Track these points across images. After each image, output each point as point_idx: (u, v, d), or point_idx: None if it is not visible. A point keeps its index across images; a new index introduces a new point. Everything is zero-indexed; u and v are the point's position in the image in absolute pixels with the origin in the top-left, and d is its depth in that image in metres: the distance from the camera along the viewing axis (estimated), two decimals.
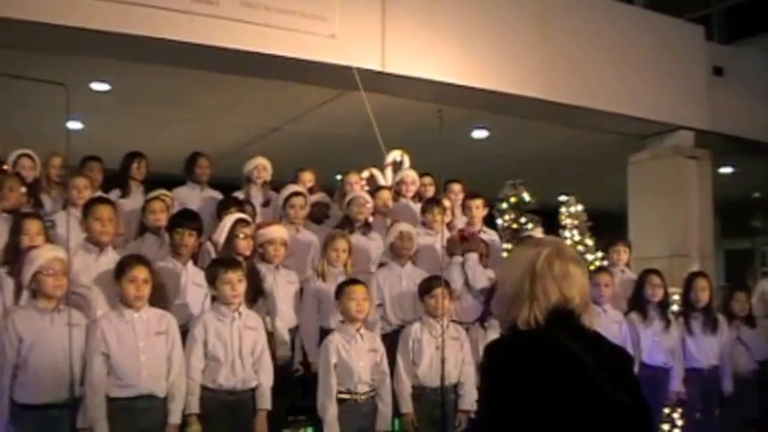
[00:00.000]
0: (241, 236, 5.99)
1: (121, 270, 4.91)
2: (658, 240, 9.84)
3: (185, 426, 5.00)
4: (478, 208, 7.72)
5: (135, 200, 7.27)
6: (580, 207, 8.18)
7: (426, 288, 6.03)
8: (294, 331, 6.33)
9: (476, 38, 8.32)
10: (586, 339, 2.48)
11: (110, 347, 4.76)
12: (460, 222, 7.82)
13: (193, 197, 7.58)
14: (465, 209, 7.84)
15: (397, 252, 6.77)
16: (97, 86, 9.08)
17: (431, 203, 7.50)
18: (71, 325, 4.60)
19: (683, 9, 14.19)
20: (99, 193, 6.70)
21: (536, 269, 2.50)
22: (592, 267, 7.81)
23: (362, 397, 5.45)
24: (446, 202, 7.58)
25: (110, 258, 5.38)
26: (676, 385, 7.09)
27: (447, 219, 7.50)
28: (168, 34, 6.96)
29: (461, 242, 6.91)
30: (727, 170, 12.65)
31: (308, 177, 8.33)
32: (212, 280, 5.26)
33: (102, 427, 4.65)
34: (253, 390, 5.29)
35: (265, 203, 7.79)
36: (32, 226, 5.48)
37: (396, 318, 6.58)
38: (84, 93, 9.00)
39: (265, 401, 5.34)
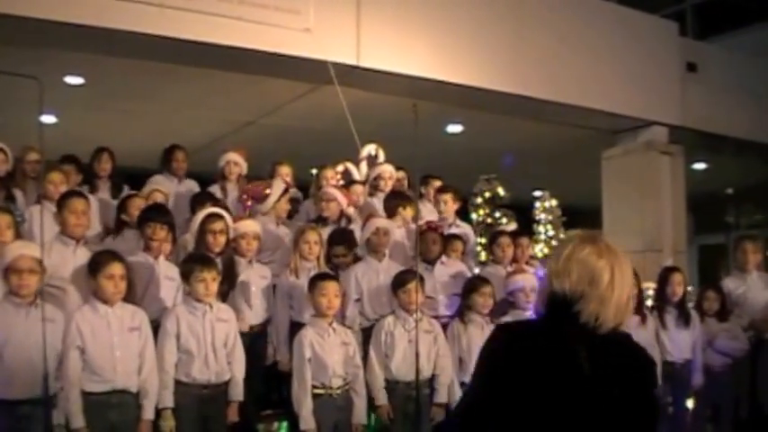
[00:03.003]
0: (211, 231, 5.99)
1: (98, 266, 4.91)
2: (632, 235, 9.87)
3: (159, 420, 5.00)
4: (447, 202, 7.76)
5: (102, 195, 7.27)
6: (554, 202, 8.22)
7: (400, 282, 6.04)
8: (266, 325, 6.35)
9: (450, 33, 8.33)
10: (585, 332, 2.44)
11: (85, 342, 4.76)
12: (432, 217, 7.85)
13: (171, 189, 7.59)
14: (436, 203, 7.88)
15: (373, 248, 6.78)
16: (71, 80, 9.02)
17: (400, 198, 7.54)
18: (45, 320, 4.55)
19: (656, 5, 14.28)
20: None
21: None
22: None
23: (337, 391, 5.44)
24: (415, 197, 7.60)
25: (84, 253, 5.38)
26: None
27: (419, 214, 7.53)
28: (142, 28, 6.92)
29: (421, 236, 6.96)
30: (700, 166, 12.74)
31: (285, 171, 8.33)
32: (187, 275, 5.27)
33: (79, 421, 4.64)
34: (227, 383, 5.31)
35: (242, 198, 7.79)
36: (2, 220, 5.46)
37: (373, 312, 6.58)
38: (58, 87, 8.95)
39: (238, 393, 5.39)
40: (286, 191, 7.40)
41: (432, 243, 6.98)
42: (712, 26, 16.34)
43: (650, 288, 7.64)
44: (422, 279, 6.12)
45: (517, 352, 2.45)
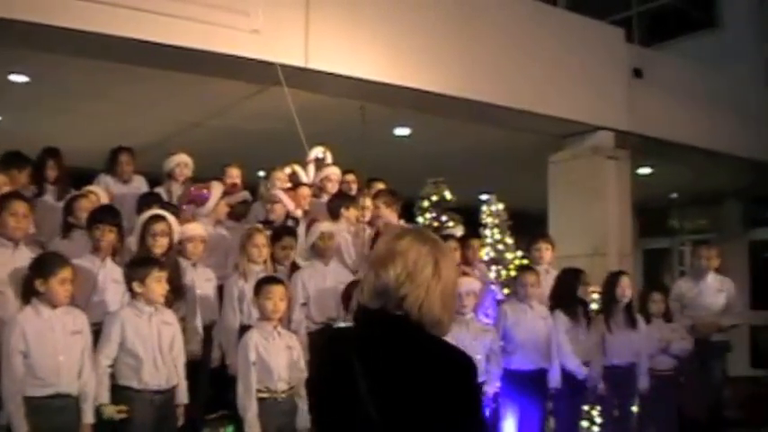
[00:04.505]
0: (152, 233, 5.94)
1: (49, 270, 4.85)
2: (578, 239, 9.96)
3: (102, 414, 4.95)
4: (378, 207, 7.77)
5: (48, 198, 7.17)
6: (501, 206, 8.25)
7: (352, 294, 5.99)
8: (210, 328, 6.33)
9: (399, 36, 8.34)
10: (390, 331, 2.35)
11: (29, 347, 4.70)
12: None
13: (116, 191, 7.51)
14: (373, 207, 7.87)
15: (319, 252, 6.79)
16: (15, 78, 8.87)
17: (346, 199, 7.56)
18: None
19: (604, 12, 14.44)
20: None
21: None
22: (512, 266, 7.91)
23: (282, 395, 5.44)
24: (367, 201, 7.61)
25: (24, 255, 5.31)
26: (594, 381, 7.24)
27: (367, 216, 7.55)
28: (89, 26, 6.81)
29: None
30: (645, 171, 12.88)
31: (234, 173, 8.32)
32: (139, 277, 5.21)
33: (22, 426, 4.58)
34: (175, 387, 5.30)
35: (189, 200, 7.74)
36: None
37: (320, 316, 6.59)
38: (1, 85, 8.81)
39: (183, 396, 5.40)
40: (226, 193, 7.38)
41: None
42: (658, 33, 16.59)
43: (595, 292, 7.71)
44: None
45: (317, 364, 2.46)
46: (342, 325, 5.82)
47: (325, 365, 2.43)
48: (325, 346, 2.49)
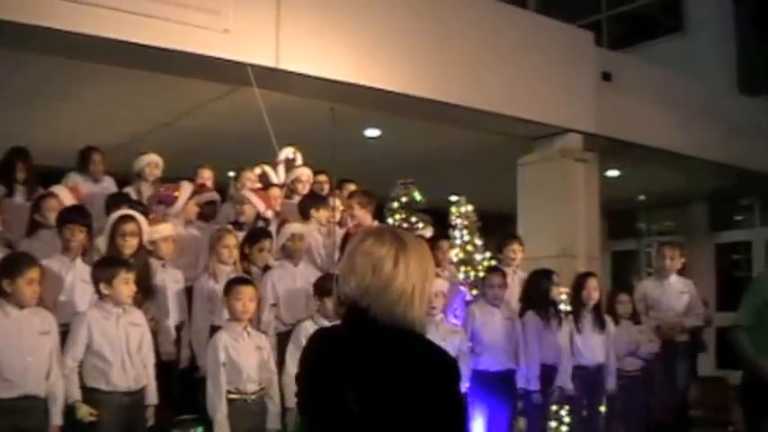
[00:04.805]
0: (122, 233, 5.91)
1: (17, 270, 4.80)
2: (546, 241, 10.00)
3: (74, 413, 4.93)
4: (352, 208, 7.79)
5: (20, 197, 7.13)
6: (470, 207, 8.27)
7: (326, 290, 5.92)
8: (179, 329, 6.31)
9: (370, 37, 8.34)
10: (367, 339, 2.36)
11: None
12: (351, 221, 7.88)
13: (87, 190, 7.48)
14: (347, 208, 7.90)
15: (289, 253, 6.79)
16: None
17: (317, 200, 7.57)
18: None
19: (573, 15, 14.56)
20: None
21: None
22: (481, 267, 7.94)
23: (252, 396, 5.44)
24: (337, 201, 7.62)
25: None
26: (563, 381, 7.29)
27: (337, 217, 7.55)
28: (57, 24, 6.75)
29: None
30: (613, 173, 12.97)
31: (206, 174, 8.32)
32: (106, 278, 5.17)
33: None
34: (143, 388, 5.28)
35: (158, 201, 7.72)
36: None
37: (290, 317, 6.59)
38: None
39: (153, 397, 5.38)
40: (196, 192, 7.37)
41: None
42: (627, 37, 16.74)
43: (564, 293, 7.76)
44: None
45: (305, 362, 2.47)
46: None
47: (312, 364, 2.44)
48: (313, 345, 2.49)
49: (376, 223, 7.75)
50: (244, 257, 6.76)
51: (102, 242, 6.15)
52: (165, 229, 6.41)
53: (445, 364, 2.37)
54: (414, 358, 2.33)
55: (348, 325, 2.43)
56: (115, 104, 9.55)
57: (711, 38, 15.38)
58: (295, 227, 6.87)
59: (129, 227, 5.94)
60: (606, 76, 10.97)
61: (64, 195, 6.73)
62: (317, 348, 2.47)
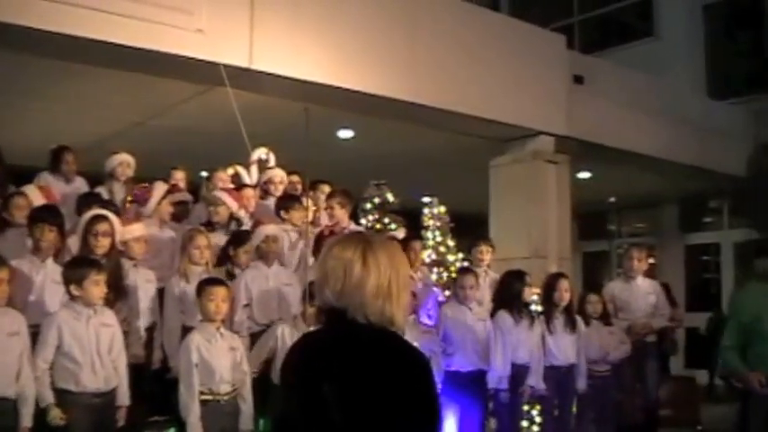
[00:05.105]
0: (94, 233, 5.88)
1: None
2: (518, 242, 10.06)
3: (46, 416, 4.89)
4: (333, 208, 7.80)
5: None
6: (443, 208, 8.30)
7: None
8: (152, 330, 6.29)
9: (343, 38, 8.35)
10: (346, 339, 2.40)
11: None
12: (326, 221, 7.88)
13: (59, 190, 7.44)
14: (327, 208, 7.91)
15: (263, 254, 6.79)
16: None
17: (291, 201, 7.57)
18: None
19: (546, 19, 14.66)
20: None
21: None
22: (453, 268, 7.97)
23: (225, 397, 5.41)
24: (310, 202, 7.63)
25: None
26: (535, 381, 7.34)
27: (310, 217, 7.56)
28: (28, 22, 6.71)
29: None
30: (585, 175, 13.05)
31: (179, 176, 8.30)
32: (76, 279, 5.15)
33: None
34: (114, 390, 5.24)
35: (132, 200, 7.70)
36: None
37: (263, 317, 6.59)
38: None
39: (125, 398, 5.34)
40: (169, 192, 7.35)
41: None
42: (599, 41, 16.89)
43: (536, 294, 7.81)
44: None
45: (291, 365, 2.49)
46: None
47: (292, 369, 2.46)
48: (295, 350, 2.52)
49: (353, 224, 7.79)
50: (228, 259, 6.77)
51: (73, 242, 6.12)
52: (137, 230, 6.38)
53: (418, 363, 2.40)
54: (388, 357, 2.36)
55: (327, 328, 2.47)
56: (88, 104, 9.50)
57: (682, 42, 15.57)
58: (269, 228, 6.87)
59: (102, 227, 5.91)
60: (578, 80, 11.05)
61: (33, 195, 6.69)
62: (299, 353, 2.50)
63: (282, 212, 7.52)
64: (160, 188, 7.29)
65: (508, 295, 7.45)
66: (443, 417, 2.39)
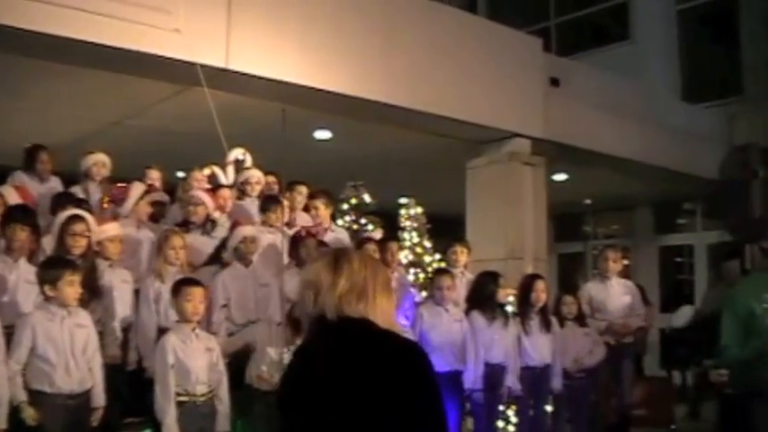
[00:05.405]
0: (72, 233, 5.86)
1: None
2: (494, 243, 10.07)
3: (19, 414, 4.87)
4: (317, 208, 7.83)
5: None
6: (419, 209, 8.33)
7: None
8: (127, 330, 6.27)
9: (321, 39, 8.35)
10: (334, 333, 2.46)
11: None
12: (303, 222, 7.89)
13: (34, 189, 7.39)
14: (310, 208, 7.92)
15: (240, 255, 6.80)
16: None
17: (270, 201, 7.57)
18: None
19: (522, 21, 14.73)
20: None
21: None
22: (430, 269, 8.00)
23: (201, 398, 5.40)
24: (285, 202, 7.63)
25: None
26: (511, 381, 7.37)
27: (286, 218, 7.56)
28: (3, 20, 6.68)
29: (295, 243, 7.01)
30: (560, 177, 13.11)
31: (155, 175, 8.27)
32: (51, 279, 5.12)
33: None
34: (89, 391, 5.22)
35: (110, 200, 7.67)
36: None
37: (241, 318, 6.59)
38: None
39: (100, 399, 5.32)
40: (146, 192, 7.33)
41: (312, 249, 7.03)
42: (575, 44, 16.98)
43: (512, 294, 7.85)
44: None
45: (291, 366, 2.54)
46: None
47: (290, 380, 2.51)
48: (291, 363, 2.56)
49: (333, 224, 7.83)
50: (218, 259, 6.86)
51: (48, 242, 6.09)
52: (112, 229, 6.37)
53: (419, 357, 2.48)
54: (383, 354, 2.41)
55: (316, 338, 2.51)
56: (63, 103, 9.44)
57: (657, 46, 15.67)
58: (247, 230, 6.88)
59: (80, 227, 5.89)
60: (554, 82, 11.09)
61: (9, 195, 6.65)
62: (294, 365, 2.53)
63: (261, 214, 7.53)
64: (137, 188, 7.27)
65: (481, 296, 7.49)
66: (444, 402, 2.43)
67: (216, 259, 6.97)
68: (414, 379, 2.38)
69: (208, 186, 8.07)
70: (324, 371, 2.37)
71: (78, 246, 5.84)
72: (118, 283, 6.25)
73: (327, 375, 2.35)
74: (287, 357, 5.82)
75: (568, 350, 7.79)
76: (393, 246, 7.88)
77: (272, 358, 5.90)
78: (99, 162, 7.87)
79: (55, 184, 7.78)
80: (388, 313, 2.53)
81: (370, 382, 2.32)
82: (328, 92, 8.38)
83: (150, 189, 7.65)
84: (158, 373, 5.36)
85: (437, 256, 8.23)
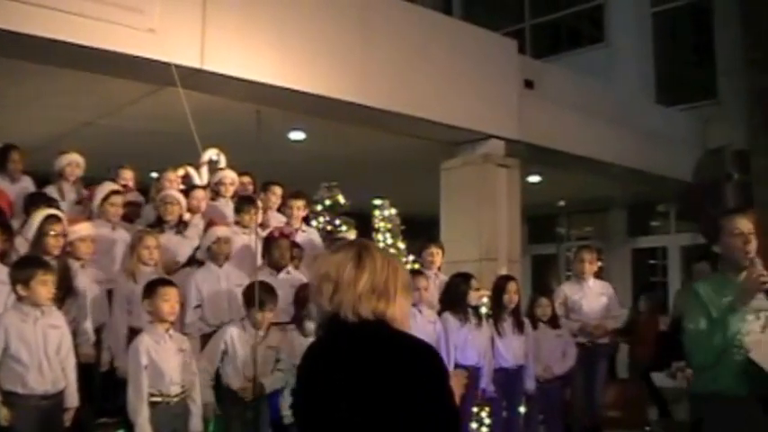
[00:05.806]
0: (51, 233, 5.84)
1: None
2: (469, 244, 10.09)
3: None
4: (299, 208, 7.84)
5: None
6: (394, 210, 8.34)
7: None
8: (100, 331, 6.26)
9: (296, 40, 8.34)
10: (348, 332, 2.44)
11: None
12: (276, 222, 7.89)
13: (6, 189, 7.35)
14: (286, 208, 7.92)
15: (214, 256, 6.79)
16: None
17: (244, 202, 7.57)
18: None
19: (498, 24, 14.78)
20: None
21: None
22: None
23: (174, 399, 5.41)
24: (258, 202, 7.63)
25: None
26: (485, 383, 7.40)
27: (260, 219, 7.57)
28: None
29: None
30: (535, 179, 13.17)
31: (127, 175, 8.26)
32: (23, 279, 5.09)
33: None
34: (62, 392, 5.19)
35: (78, 201, 7.64)
36: None
37: (214, 318, 6.58)
38: None
39: (73, 400, 5.30)
40: (114, 192, 7.29)
41: (285, 250, 7.05)
42: (550, 46, 17.06)
43: (485, 296, 7.87)
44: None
45: (303, 366, 2.53)
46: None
47: (305, 379, 2.50)
48: (305, 361, 2.54)
49: (304, 225, 7.84)
50: (196, 260, 6.86)
51: (21, 242, 6.06)
52: (83, 229, 6.35)
53: (430, 357, 2.46)
54: (395, 354, 2.40)
55: (326, 336, 2.51)
56: (36, 102, 9.38)
57: (632, 49, 15.78)
58: (220, 230, 6.88)
59: (58, 227, 5.89)
60: (528, 84, 11.14)
61: None
62: (307, 364, 2.52)
63: (235, 214, 7.53)
64: (103, 187, 7.25)
65: (454, 297, 7.51)
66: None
67: (194, 261, 6.97)
68: (430, 380, 2.38)
69: (182, 187, 8.05)
70: (340, 373, 2.37)
71: (57, 246, 5.84)
72: (90, 283, 6.24)
73: (343, 377, 2.36)
74: (260, 356, 5.84)
75: (541, 352, 7.82)
76: None
77: (245, 359, 5.89)
78: (73, 162, 7.84)
79: (27, 184, 7.73)
80: (406, 314, 2.52)
81: (387, 384, 2.32)
82: (303, 93, 8.37)
83: (125, 189, 7.64)
84: (131, 374, 5.35)
85: (411, 258, 8.23)
